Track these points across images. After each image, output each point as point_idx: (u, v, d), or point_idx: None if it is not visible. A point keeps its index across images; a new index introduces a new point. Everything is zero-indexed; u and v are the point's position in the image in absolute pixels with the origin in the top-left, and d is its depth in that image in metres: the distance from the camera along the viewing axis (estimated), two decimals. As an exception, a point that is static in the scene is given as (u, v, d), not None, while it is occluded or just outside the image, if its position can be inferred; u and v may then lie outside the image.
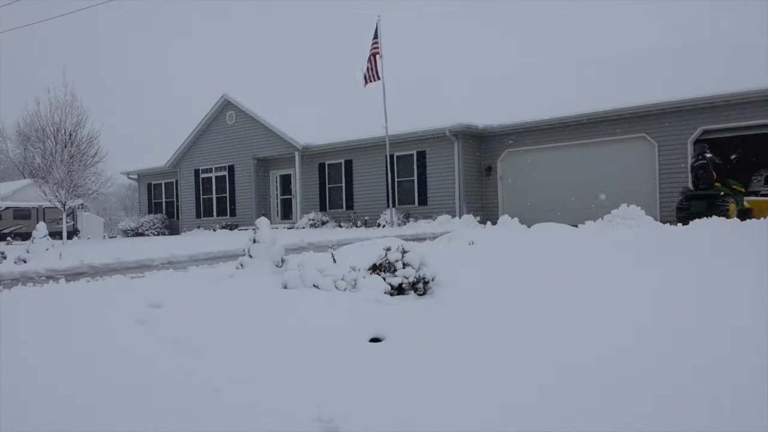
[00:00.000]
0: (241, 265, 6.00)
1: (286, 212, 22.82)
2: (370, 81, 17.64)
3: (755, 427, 2.58)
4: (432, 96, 19.72)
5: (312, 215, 20.24)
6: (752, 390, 2.87)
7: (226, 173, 23.49)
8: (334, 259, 5.93)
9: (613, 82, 17.02)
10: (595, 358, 3.40)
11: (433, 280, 5.21)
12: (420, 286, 5.14)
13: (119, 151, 27.73)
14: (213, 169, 23.93)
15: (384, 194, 19.09)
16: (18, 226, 29.30)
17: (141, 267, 9.00)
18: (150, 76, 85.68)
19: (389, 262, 5.29)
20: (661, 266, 5.50)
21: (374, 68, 17.48)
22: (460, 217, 17.28)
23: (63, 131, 18.76)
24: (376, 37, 17.49)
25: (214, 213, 23.94)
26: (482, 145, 18.60)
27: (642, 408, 2.78)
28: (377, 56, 17.46)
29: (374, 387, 3.20)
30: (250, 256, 5.95)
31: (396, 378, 3.33)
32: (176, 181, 25.55)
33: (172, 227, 25.77)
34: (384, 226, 17.77)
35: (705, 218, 8.94)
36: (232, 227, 22.59)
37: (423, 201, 18.75)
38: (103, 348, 3.67)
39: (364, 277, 5.17)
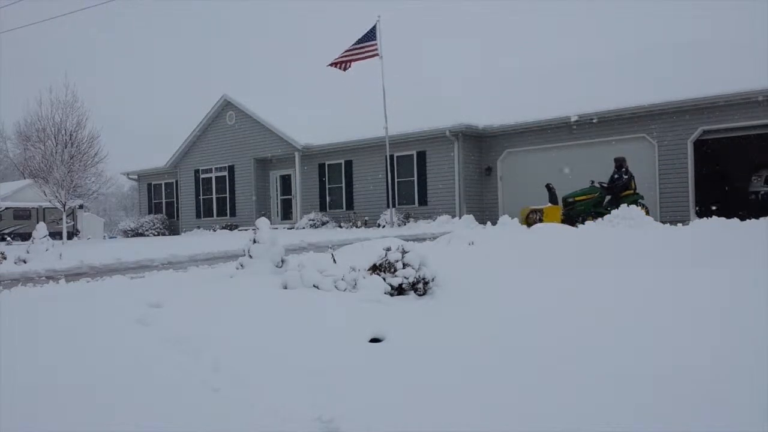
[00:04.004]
0: (241, 266, 6.00)
1: (286, 212, 22.81)
2: (341, 67, 17.63)
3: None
4: (432, 96, 19.70)
5: (312, 215, 20.23)
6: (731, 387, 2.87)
7: (226, 173, 23.49)
8: (334, 260, 5.92)
9: (613, 82, 17.01)
10: (594, 358, 3.40)
11: (433, 280, 5.21)
12: (420, 287, 5.14)
13: (119, 152, 27.71)
14: (213, 170, 23.92)
15: (384, 194, 19.09)
16: (18, 226, 29.31)
17: (141, 267, 8.99)
18: (150, 76, 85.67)
19: (389, 263, 5.29)
20: (661, 267, 5.49)
21: (347, 60, 17.46)
22: (460, 218, 17.27)
23: (64, 131, 18.77)
24: (374, 38, 17.43)
25: (214, 213, 23.94)
26: (482, 145, 18.60)
27: (639, 405, 2.78)
28: (365, 57, 17.39)
29: (374, 387, 3.20)
30: (250, 257, 5.95)
31: (396, 378, 3.33)
32: (176, 182, 25.54)
33: (172, 227, 25.76)
34: (384, 227, 17.76)
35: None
36: (232, 227, 22.58)
37: (423, 201, 18.75)
38: (102, 348, 3.66)
39: (364, 278, 5.17)
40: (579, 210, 13.01)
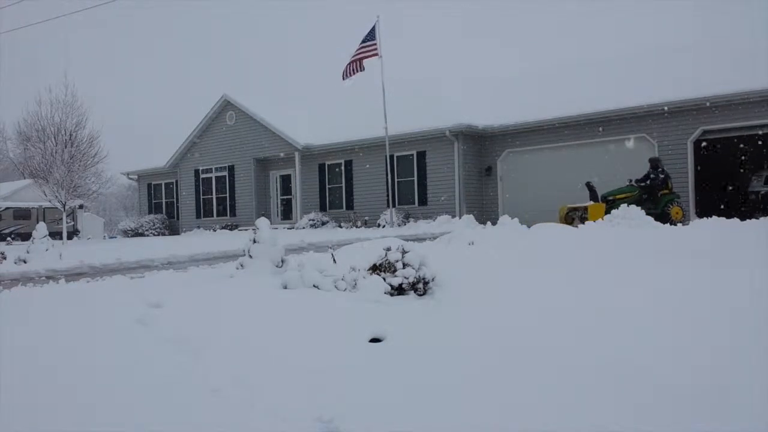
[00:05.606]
0: (242, 266, 6.00)
1: (286, 212, 22.81)
2: (348, 75, 17.59)
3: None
4: (432, 96, 19.70)
5: (312, 215, 20.24)
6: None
7: (226, 173, 23.49)
8: (334, 260, 5.93)
9: (613, 82, 17.00)
10: (594, 358, 3.40)
11: (433, 280, 5.21)
12: (420, 287, 5.14)
13: (119, 152, 27.70)
14: (213, 170, 23.92)
15: (384, 194, 19.09)
16: (18, 226, 29.33)
17: (141, 267, 8.99)
18: (150, 75, 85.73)
19: (389, 263, 5.29)
20: (661, 267, 5.49)
21: (355, 66, 17.43)
22: (460, 218, 17.28)
23: (63, 131, 18.78)
24: (374, 38, 17.41)
25: (214, 213, 23.94)
26: (482, 145, 18.60)
27: (639, 405, 2.78)
28: (365, 56, 17.36)
29: (374, 387, 3.20)
30: (251, 257, 5.95)
31: (396, 378, 3.32)
32: (176, 182, 25.54)
33: (172, 227, 25.77)
34: (384, 227, 17.76)
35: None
36: (232, 227, 22.58)
37: (423, 201, 18.75)
38: (103, 348, 3.67)
39: (364, 278, 5.17)
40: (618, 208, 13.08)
